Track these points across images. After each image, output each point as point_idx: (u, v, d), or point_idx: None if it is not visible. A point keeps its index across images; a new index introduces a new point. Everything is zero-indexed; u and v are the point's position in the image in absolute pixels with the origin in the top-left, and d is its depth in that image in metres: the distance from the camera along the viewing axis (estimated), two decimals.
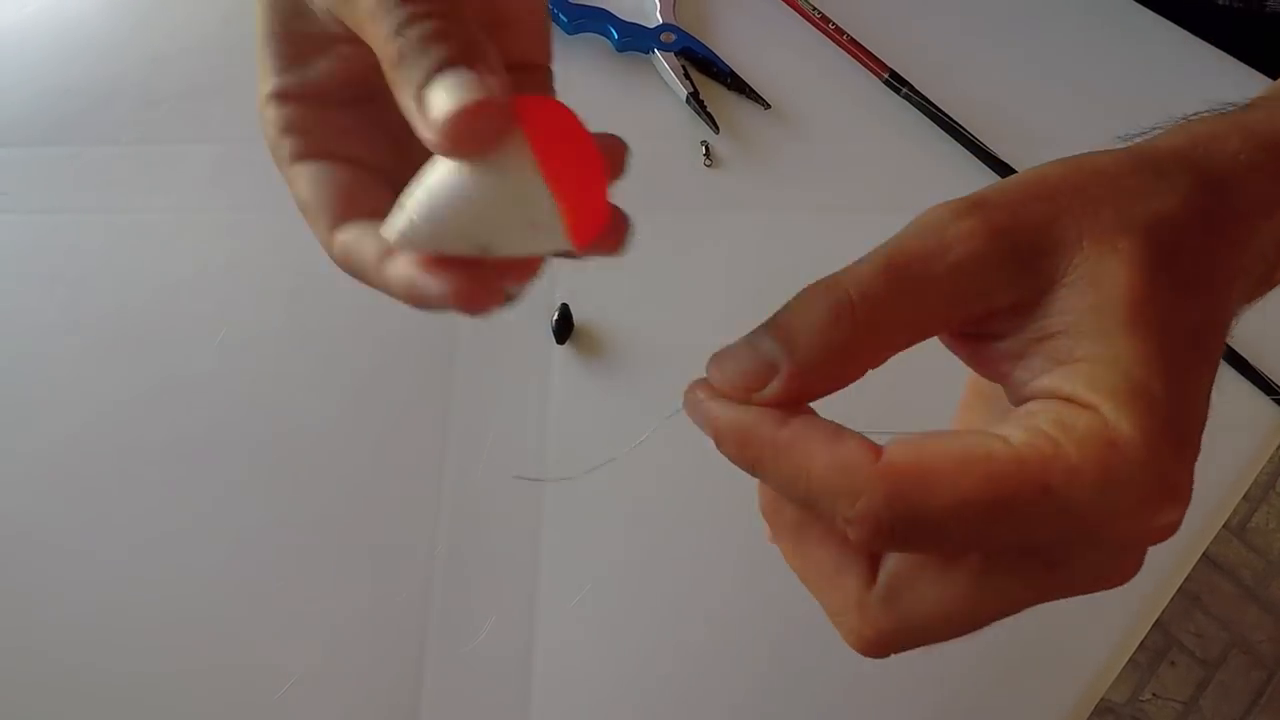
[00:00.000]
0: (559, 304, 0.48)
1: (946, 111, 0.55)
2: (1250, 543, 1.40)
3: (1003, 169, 0.53)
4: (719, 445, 0.23)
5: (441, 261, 0.24)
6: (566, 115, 0.24)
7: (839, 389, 0.23)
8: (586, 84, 0.56)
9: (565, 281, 0.50)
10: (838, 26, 0.58)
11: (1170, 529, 0.21)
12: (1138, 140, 0.25)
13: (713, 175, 0.54)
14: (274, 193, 0.53)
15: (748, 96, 0.56)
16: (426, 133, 0.22)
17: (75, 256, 0.51)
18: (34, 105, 0.56)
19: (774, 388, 0.22)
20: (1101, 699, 0.43)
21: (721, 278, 0.51)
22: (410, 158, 0.29)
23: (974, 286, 0.22)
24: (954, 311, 0.23)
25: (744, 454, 0.23)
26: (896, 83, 0.56)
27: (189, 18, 0.59)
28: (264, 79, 0.28)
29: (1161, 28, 0.59)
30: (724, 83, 0.56)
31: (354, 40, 0.25)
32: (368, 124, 0.29)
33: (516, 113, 0.23)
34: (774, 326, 0.23)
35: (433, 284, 0.24)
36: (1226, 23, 0.58)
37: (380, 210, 0.25)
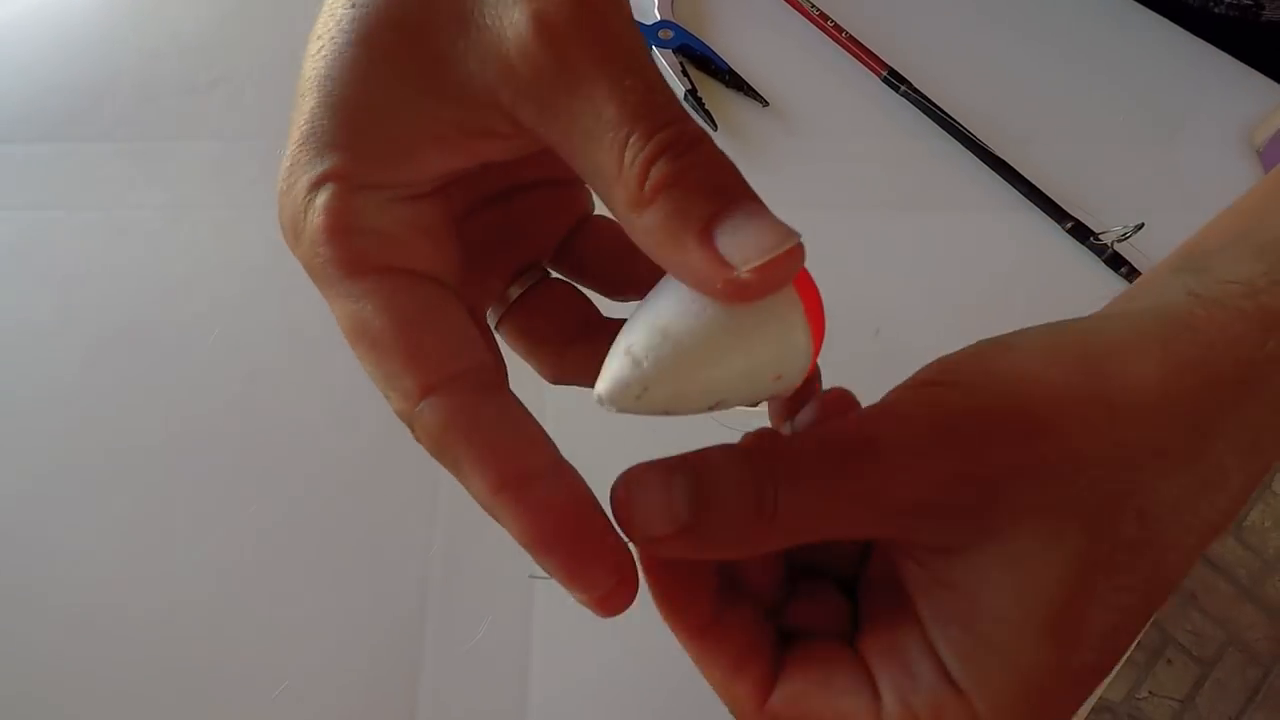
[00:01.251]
0: None
1: (945, 109, 0.54)
2: (1246, 541, 1.40)
3: (1001, 167, 0.53)
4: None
5: (591, 545, 0.21)
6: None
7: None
8: None
9: None
10: (836, 24, 0.57)
11: None
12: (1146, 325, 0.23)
13: None
14: (269, 191, 0.53)
15: (746, 94, 0.56)
16: (716, 282, 0.19)
17: (68, 254, 0.51)
18: (27, 102, 0.56)
19: (671, 546, 0.21)
20: (1099, 698, 0.43)
21: None
22: (488, 268, 0.25)
23: (904, 523, 0.21)
24: (875, 534, 0.22)
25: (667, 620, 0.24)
26: (895, 80, 0.56)
27: (184, 14, 0.59)
28: (322, 151, 0.20)
29: (1160, 27, 0.59)
30: (722, 80, 0.56)
31: (510, 136, 0.20)
32: (442, 224, 0.22)
33: None
34: (694, 490, 0.21)
35: (576, 580, 0.21)
36: (1223, 29, 0.58)
37: (474, 360, 0.21)
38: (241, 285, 0.50)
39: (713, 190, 0.19)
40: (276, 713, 0.41)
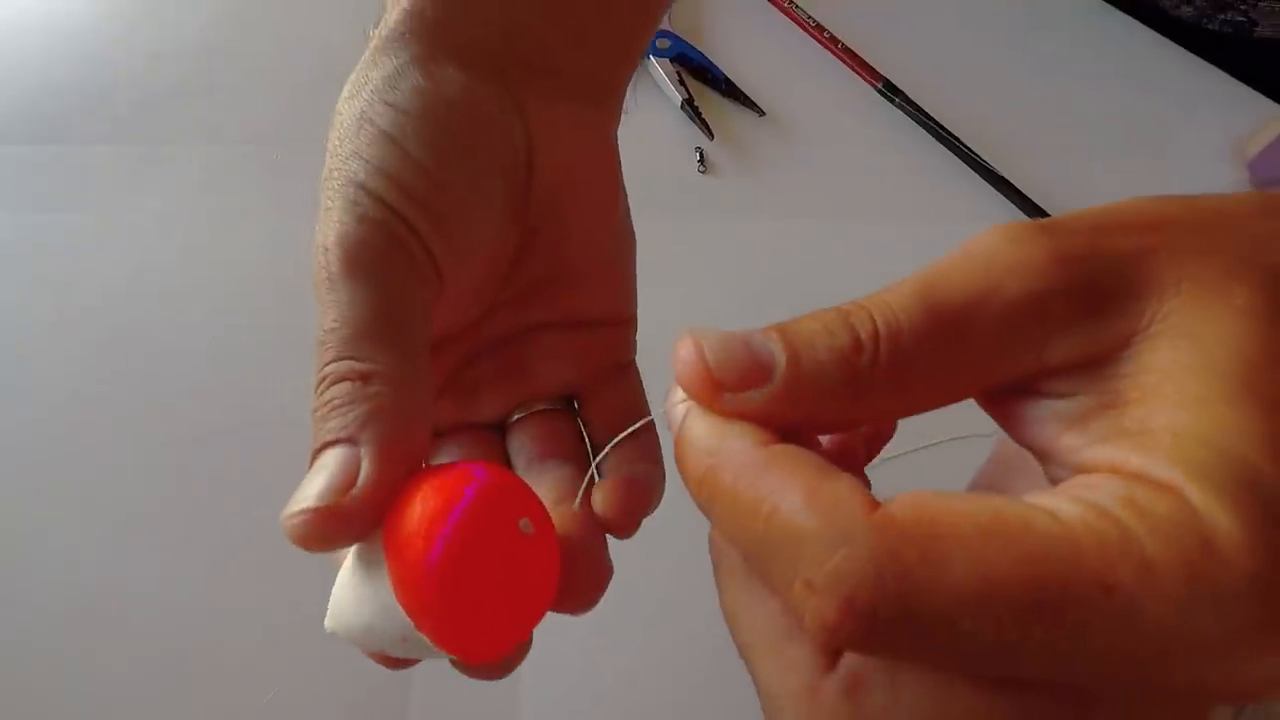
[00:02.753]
0: None
1: (940, 121, 0.55)
2: None
3: (995, 179, 0.53)
4: (677, 459, 0.18)
5: None
6: (491, 505, 0.20)
7: (833, 433, 0.19)
8: None
9: None
10: (832, 35, 0.58)
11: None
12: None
13: (706, 181, 0.54)
14: (265, 196, 0.53)
15: (742, 103, 0.56)
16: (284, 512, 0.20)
17: (65, 256, 0.51)
18: (23, 103, 0.56)
19: (762, 394, 0.17)
20: None
21: (715, 284, 0.51)
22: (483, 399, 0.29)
23: (1029, 335, 0.17)
24: (998, 367, 0.17)
25: (696, 468, 0.17)
26: (890, 92, 0.56)
27: (181, 18, 0.59)
28: None
29: (1155, 42, 0.59)
30: (719, 89, 0.57)
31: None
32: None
33: (405, 499, 0.20)
34: (778, 328, 0.18)
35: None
36: (1216, 44, 0.58)
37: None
38: (238, 288, 0.50)
39: (327, 429, 0.20)
40: (268, 716, 0.40)
